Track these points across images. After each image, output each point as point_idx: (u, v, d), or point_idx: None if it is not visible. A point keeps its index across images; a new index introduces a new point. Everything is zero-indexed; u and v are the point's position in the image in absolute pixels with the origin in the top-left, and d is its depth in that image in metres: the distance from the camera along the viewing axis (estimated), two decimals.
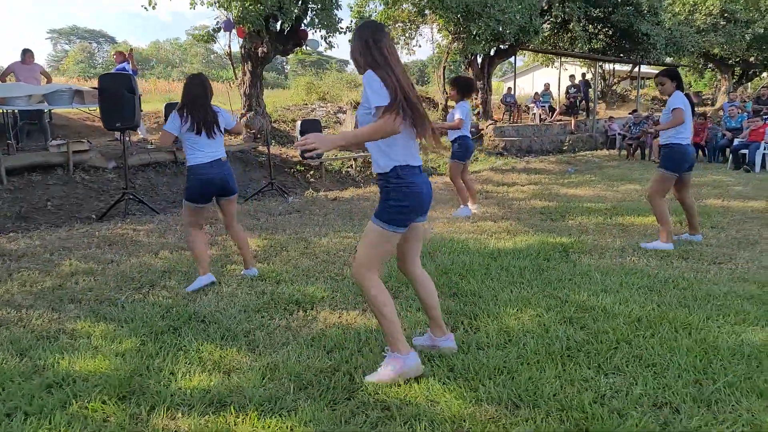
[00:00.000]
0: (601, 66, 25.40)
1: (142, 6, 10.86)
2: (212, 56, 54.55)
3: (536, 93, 19.85)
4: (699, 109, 23.00)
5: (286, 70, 55.01)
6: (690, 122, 4.72)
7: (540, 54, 24.11)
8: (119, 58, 9.56)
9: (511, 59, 18.89)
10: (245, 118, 10.98)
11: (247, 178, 9.17)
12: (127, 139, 8.69)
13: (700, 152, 13.98)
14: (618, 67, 25.25)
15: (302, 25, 10.00)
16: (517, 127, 16.02)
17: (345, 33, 10.50)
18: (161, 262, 4.74)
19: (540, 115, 18.17)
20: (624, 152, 14.43)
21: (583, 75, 19.39)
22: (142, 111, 7.96)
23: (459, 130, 6.44)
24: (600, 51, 20.64)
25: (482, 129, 15.07)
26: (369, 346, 3.00)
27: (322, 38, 10.42)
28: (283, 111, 12.98)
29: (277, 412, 2.38)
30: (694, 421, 2.30)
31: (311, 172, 9.71)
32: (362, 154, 10.85)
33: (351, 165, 10.48)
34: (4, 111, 8.24)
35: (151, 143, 9.42)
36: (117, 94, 6.63)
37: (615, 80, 26.36)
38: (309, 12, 9.60)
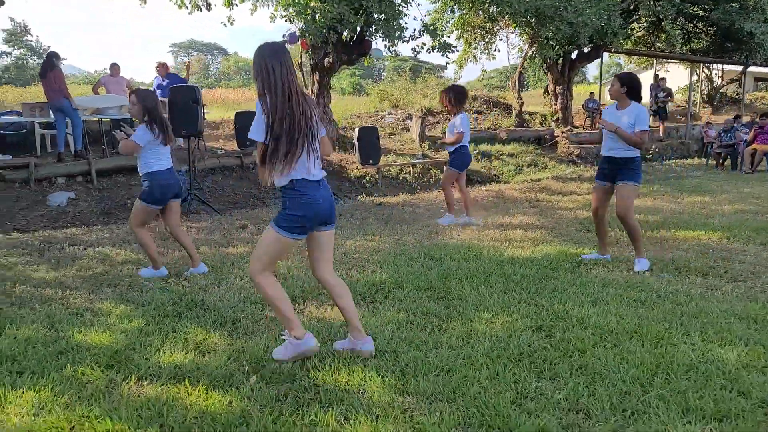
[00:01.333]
0: (707, 67, 23.71)
1: (222, 23, 11.92)
2: None
3: None
4: None
5: (383, 77, 56.12)
6: None
7: (635, 56, 23.03)
8: (163, 70, 10.03)
9: (601, 62, 18.12)
10: None
11: None
12: (202, 144, 9.57)
13: None
14: (729, 67, 23.35)
15: (366, 35, 10.42)
16: (595, 134, 15.43)
17: (408, 41, 10.78)
18: None
19: None
20: (712, 161, 13.48)
21: (656, 77, 17.95)
22: (206, 120, 8.72)
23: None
24: (701, 51, 19.30)
25: (557, 136, 14.70)
26: (339, 336, 3.27)
27: (386, 48, 10.80)
28: (353, 118, 13.50)
29: (224, 387, 2.73)
30: (600, 427, 2.36)
31: (367, 177, 10.08)
32: (421, 160, 11.08)
33: (409, 171, 10.73)
34: (100, 120, 9.38)
35: (222, 149, 10.25)
36: (184, 104, 7.37)
37: (723, 83, 24.48)
38: (372, 23, 9.98)
